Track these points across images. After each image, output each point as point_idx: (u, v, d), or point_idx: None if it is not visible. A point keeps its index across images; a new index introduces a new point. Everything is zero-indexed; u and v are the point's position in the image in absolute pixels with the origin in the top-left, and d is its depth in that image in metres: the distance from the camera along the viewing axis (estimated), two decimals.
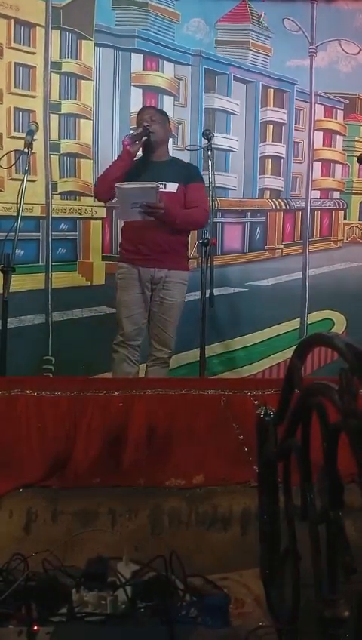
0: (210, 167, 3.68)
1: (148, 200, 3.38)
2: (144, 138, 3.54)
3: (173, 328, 3.66)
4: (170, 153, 3.85)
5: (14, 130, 4.31)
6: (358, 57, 4.77)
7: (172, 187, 3.58)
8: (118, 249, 3.80)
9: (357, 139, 4.93)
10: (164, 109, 4.01)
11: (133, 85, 4.58)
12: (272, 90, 4.83)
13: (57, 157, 4.44)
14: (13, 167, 3.98)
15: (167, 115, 3.80)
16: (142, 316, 3.65)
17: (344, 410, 1.25)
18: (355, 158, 4.35)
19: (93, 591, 1.81)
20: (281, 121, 4.87)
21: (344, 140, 4.94)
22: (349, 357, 1.24)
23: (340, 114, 4.90)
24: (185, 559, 1.93)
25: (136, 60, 4.57)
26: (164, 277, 3.61)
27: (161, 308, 3.64)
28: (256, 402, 2.37)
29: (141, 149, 3.60)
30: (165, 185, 3.55)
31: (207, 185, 3.70)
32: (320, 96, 4.81)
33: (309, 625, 1.51)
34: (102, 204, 4.34)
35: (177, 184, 3.59)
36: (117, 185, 3.37)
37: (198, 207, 3.63)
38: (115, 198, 3.49)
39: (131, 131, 3.64)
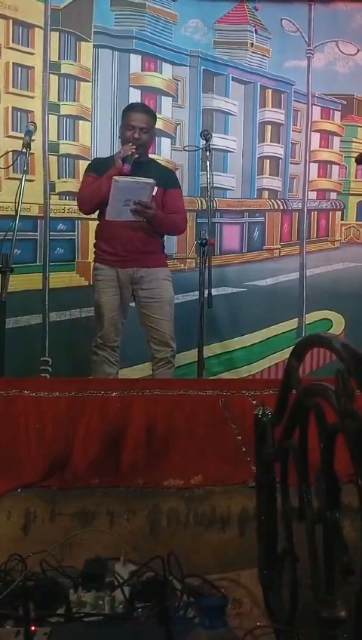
0: (208, 168, 3.68)
1: (141, 198, 3.38)
2: (136, 156, 3.46)
3: (168, 325, 3.61)
4: (169, 154, 3.84)
5: (12, 130, 4.31)
6: (356, 58, 4.78)
7: None
8: (93, 250, 3.76)
9: (354, 139, 4.93)
10: (160, 109, 3.99)
11: (132, 86, 4.57)
12: (270, 90, 4.84)
13: (56, 158, 4.44)
14: (11, 166, 3.98)
15: (155, 116, 3.74)
16: (122, 317, 3.64)
17: (341, 411, 1.26)
18: (353, 159, 4.36)
19: (91, 591, 1.81)
20: (279, 121, 4.88)
21: (341, 141, 4.94)
22: (346, 358, 1.25)
23: (337, 115, 4.90)
24: (183, 559, 1.93)
25: (135, 61, 4.57)
26: (144, 276, 3.59)
27: (151, 308, 3.60)
28: (254, 402, 2.37)
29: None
30: None
31: (205, 185, 3.70)
32: (317, 97, 4.82)
33: (307, 625, 1.51)
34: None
35: (156, 187, 3.51)
36: (115, 178, 3.34)
37: (179, 214, 3.65)
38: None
39: (120, 152, 3.51)
